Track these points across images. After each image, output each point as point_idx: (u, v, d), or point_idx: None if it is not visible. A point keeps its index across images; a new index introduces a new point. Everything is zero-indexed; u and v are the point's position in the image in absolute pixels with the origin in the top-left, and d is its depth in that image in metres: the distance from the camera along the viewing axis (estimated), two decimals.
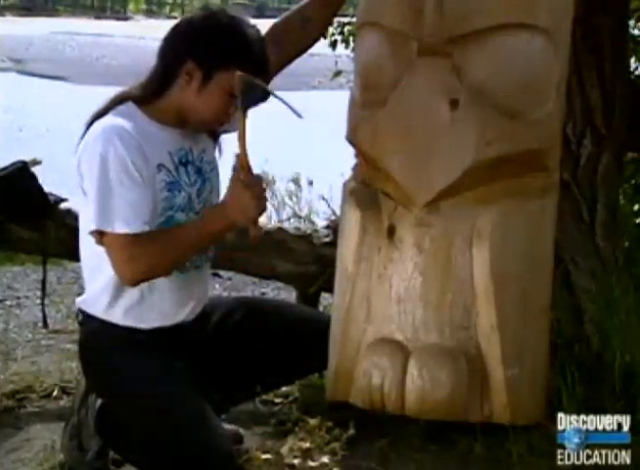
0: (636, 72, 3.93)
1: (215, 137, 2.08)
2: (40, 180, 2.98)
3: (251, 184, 1.85)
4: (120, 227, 1.83)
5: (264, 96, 1.89)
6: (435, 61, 1.86)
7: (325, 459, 2.03)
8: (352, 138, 2.04)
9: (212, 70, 1.89)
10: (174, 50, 1.92)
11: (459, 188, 1.87)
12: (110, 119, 1.88)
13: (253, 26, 1.96)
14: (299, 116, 1.92)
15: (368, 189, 2.01)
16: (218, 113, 1.93)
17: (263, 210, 1.87)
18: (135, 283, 1.89)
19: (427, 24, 1.84)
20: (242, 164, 1.87)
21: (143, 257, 1.86)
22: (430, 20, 1.84)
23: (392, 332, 1.91)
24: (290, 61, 2.19)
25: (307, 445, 2.10)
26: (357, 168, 2.09)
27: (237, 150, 1.88)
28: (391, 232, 1.92)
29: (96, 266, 1.95)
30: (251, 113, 1.99)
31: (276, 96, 1.89)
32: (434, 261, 1.89)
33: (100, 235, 1.87)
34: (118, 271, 1.87)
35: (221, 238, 2.01)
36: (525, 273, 1.90)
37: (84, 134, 1.92)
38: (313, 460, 2.03)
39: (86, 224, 1.90)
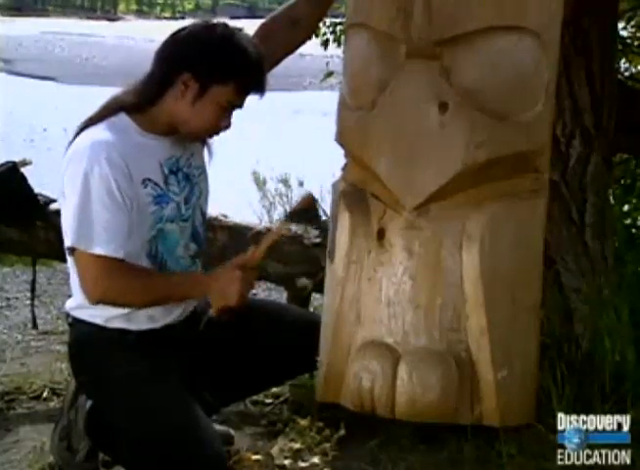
0: (625, 73, 3.95)
1: (204, 139, 2.08)
2: (30, 181, 2.98)
3: (247, 281, 1.92)
4: (97, 248, 1.85)
5: (312, 222, 2.01)
6: (424, 63, 1.85)
7: (315, 460, 2.03)
8: (342, 140, 2.04)
9: (209, 83, 1.89)
10: (172, 59, 1.92)
11: (449, 191, 1.87)
12: (100, 133, 1.89)
13: (253, 42, 1.96)
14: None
15: (358, 191, 2.01)
16: (210, 125, 1.94)
17: (239, 304, 1.92)
18: (97, 303, 1.92)
19: (415, 27, 1.84)
20: (253, 260, 1.94)
21: (116, 285, 1.89)
22: (418, 22, 1.83)
23: (382, 335, 1.91)
24: (278, 61, 2.19)
25: (298, 445, 2.10)
26: (347, 169, 2.09)
27: (262, 243, 1.97)
28: (381, 235, 1.92)
29: None
30: (242, 113, 2.01)
31: (326, 231, 2.01)
32: (424, 264, 1.89)
33: (72, 249, 1.88)
34: (87, 289, 1.90)
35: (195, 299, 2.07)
36: (514, 275, 1.90)
37: (74, 138, 1.92)
38: (304, 461, 2.03)
39: (65, 235, 1.91)
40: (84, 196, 1.84)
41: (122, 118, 1.93)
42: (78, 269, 1.90)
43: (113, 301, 1.92)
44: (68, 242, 1.89)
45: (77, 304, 2.00)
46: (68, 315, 2.06)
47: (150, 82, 1.94)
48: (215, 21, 1.99)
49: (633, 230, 3.65)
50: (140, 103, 1.94)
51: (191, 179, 2.03)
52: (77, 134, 1.92)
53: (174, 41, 1.94)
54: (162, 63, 1.93)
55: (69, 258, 1.96)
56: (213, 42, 1.90)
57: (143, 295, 1.93)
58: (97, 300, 1.91)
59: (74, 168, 1.86)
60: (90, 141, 1.87)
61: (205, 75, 1.89)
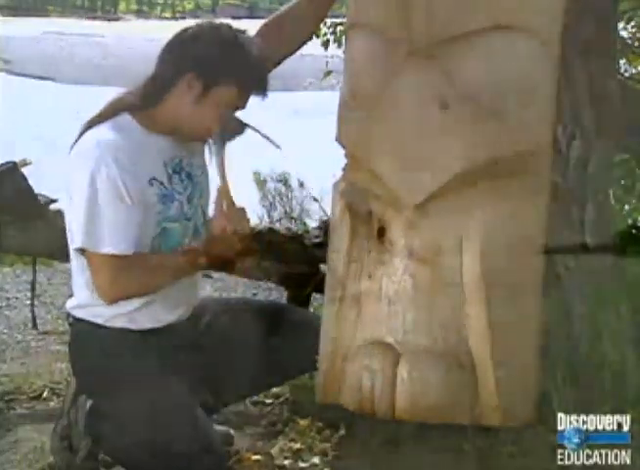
0: (625, 73, 3.96)
1: (205, 139, 2.08)
2: (30, 181, 2.98)
3: (235, 218, 1.92)
4: (106, 247, 1.85)
5: (241, 130, 1.95)
6: (425, 63, 1.85)
7: (315, 460, 2.03)
8: (342, 140, 2.04)
9: (212, 83, 1.90)
10: (176, 59, 1.93)
11: (449, 190, 1.87)
12: (105, 133, 1.89)
13: (256, 43, 1.97)
14: (278, 146, 1.98)
15: (358, 190, 2.01)
16: (211, 125, 1.94)
17: (246, 240, 1.93)
18: (113, 303, 1.92)
19: (416, 27, 1.84)
20: (225, 198, 1.92)
21: (128, 281, 1.90)
22: (419, 22, 1.84)
23: (383, 334, 1.91)
24: (279, 61, 2.19)
25: (298, 445, 2.10)
26: (347, 169, 2.09)
27: (218, 183, 1.93)
28: (381, 234, 1.92)
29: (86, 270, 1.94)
30: (243, 114, 2.01)
31: (254, 129, 1.94)
32: (424, 263, 1.89)
33: (82, 250, 1.88)
34: (100, 290, 1.90)
35: (207, 268, 2.07)
36: (514, 275, 1.90)
37: (78, 138, 1.92)
38: (304, 461, 2.04)
39: (71, 235, 1.91)
40: (92, 196, 1.84)
41: (126, 118, 1.93)
42: (91, 270, 1.90)
43: (129, 296, 1.92)
44: (77, 243, 1.88)
45: (78, 303, 2.01)
46: (68, 315, 2.06)
47: (153, 82, 1.94)
48: (219, 21, 2.00)
49: (633, 230, 3.64)
50: (143, 103, 1.94)
51: (193, 179, 2.04)
52: (81, 134, 1.92)
53: (178, 42, 1.95)
54: (166, 63, 1.94)
55: (74, 259, 1.96)
56: (217, 43, 1.91)
57: (154, 281, 1.94)
58: (113, 299, 1.91)
59: (80, 169, 1.86)
60: (95, 141, 1.87)
61: (208, 76, 1.89)
